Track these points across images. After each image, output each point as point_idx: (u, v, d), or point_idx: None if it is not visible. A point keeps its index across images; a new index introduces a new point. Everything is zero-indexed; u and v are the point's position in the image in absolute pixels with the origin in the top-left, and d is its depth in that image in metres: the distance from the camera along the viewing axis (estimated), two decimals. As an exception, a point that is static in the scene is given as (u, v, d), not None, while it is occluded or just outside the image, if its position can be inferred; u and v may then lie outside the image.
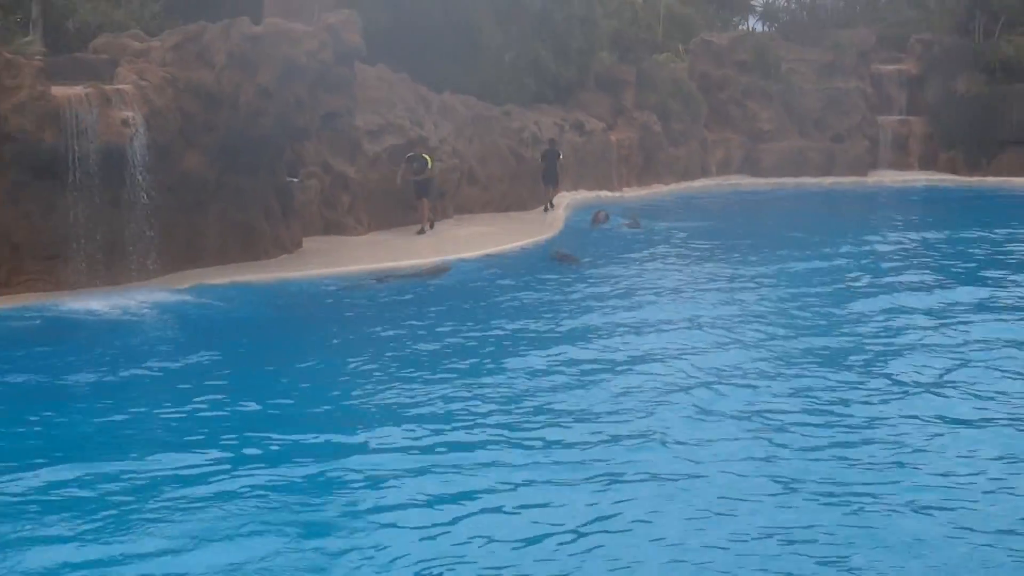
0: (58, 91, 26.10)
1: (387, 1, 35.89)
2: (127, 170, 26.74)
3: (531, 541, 14.52)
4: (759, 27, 54.65)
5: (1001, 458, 17.89)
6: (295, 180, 31.35)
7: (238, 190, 29.48)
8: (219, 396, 20.68)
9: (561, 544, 14.55)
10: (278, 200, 30.95)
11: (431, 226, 33.31)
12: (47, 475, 16.76)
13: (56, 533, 14.76)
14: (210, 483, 16.46)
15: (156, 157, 27.18)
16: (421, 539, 14.65)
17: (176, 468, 17.03)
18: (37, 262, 26.13)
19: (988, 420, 19.66)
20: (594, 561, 14.06)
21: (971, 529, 15.15)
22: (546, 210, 40.78)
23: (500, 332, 25.50)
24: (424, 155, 33.10)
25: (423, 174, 32.98)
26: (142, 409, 19.92)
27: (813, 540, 14.96)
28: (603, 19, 43.49)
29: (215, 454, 17.74)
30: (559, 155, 41.72)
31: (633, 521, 15.34)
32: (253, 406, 20.29)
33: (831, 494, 16.51)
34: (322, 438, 18.76)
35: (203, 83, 28.13)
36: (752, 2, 57.11)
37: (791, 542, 14.96)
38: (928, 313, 27.73)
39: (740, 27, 53.95)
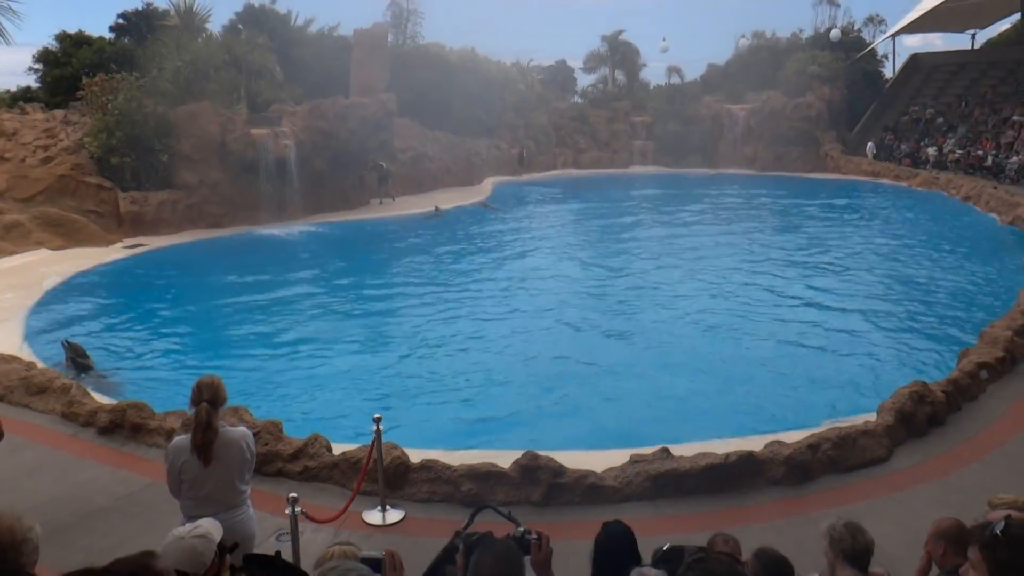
0: (254, 131, 25.99)
1: (409, 88, 35.23)
2: (287, 168, 26.73)
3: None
4: (579, 100, 53.80)
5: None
6: (365, 172, 30.77)
7: (340, 177, 29.39)
8: (341, 266, 21.22)
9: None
10: (358, 181, 30.57)
11: (392, 199, 31.25)
12: (257, 297, 17.27)
13: (258, 320, 14.99)
14: (331, 302, 16.96)
15: (300, 162, 27.18)
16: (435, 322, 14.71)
17: (317, 296, 17.70)
18: (246, 211, 25.99)
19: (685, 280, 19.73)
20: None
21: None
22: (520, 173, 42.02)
23: (467, 234, 26.21)
24: (382, 163, 31.10)
25: (383, 172, 31.08)
26: (302, 266, 20.76)
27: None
28: (507, 96, 42.99)
29: (334, 292, 18.28)
30: (523, 151, 42.64)
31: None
32: (354, 269, 20.88)
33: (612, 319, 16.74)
34: (389, 287, 19.15)
35: (322, 127, 28.01)
36: (576, 88, 56.55)
37: (578, 329, 15.03)
38: (658, 222, 27.57)
39: (571, 100, 53.02)
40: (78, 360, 12.69)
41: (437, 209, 29.50)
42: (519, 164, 42.77)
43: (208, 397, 5.18)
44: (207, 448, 5.11)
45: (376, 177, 31.04)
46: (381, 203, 30.94)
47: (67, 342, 13.18)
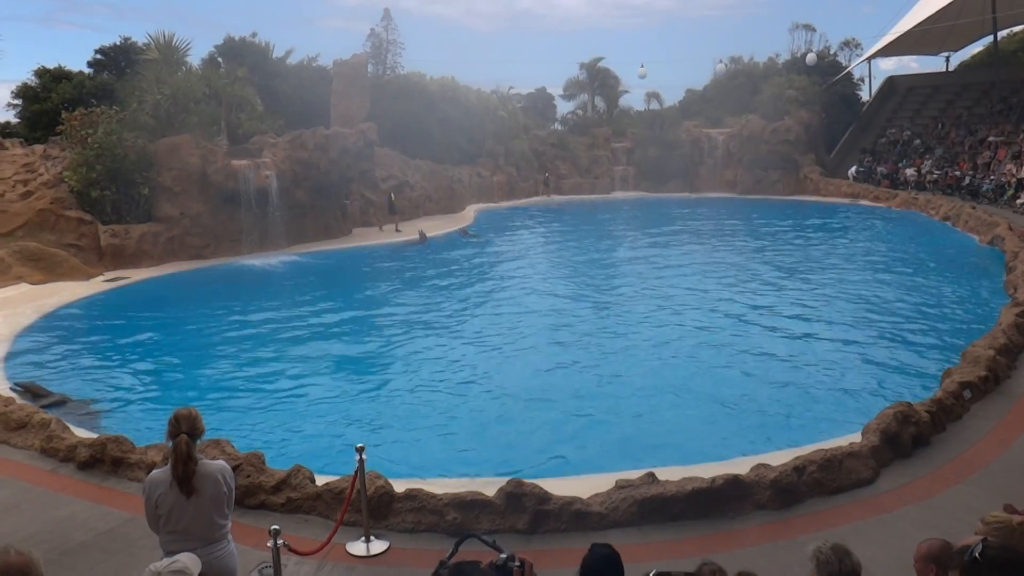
0: (235, 163, 25.94)
1: (389, 117, 35.48)
2: (268, 199, 26.69)
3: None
4: (559, 127, 54.20)
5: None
6: (347, 201, 30.75)
7: (321, 206, 29.26)
8: (323, 296, 20.87)
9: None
10: (340, 210, 30.46)
11: (397, 228, 31.82)
12: (239, 329, 16.96)
13: (240, 351, 14.76)
14: (312, 333, 16.62)
15: (282, 193, 27.10)
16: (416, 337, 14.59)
17: (299, 327, 17.33)
18: (227, 242, 25.94)
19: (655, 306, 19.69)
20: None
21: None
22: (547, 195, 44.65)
23: (447, 261, 25.57)
24: (392, 194, 32.53)
25: (393, 201, 32.23)
26: (284, 296, 20.41)
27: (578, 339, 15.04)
28: (488, 124, 43.06)
29: (316, 322, 17.92)
30: (548, 175, 44.69)
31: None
32: (337, 299, 20.55)
33: (589, 334, 16.61)
34: (371, 315, 18.98)
35: (303, 158, 27.91)
36: (556, 115, 56.90)
37: (560, 344, 14.98)
38: (637, 248, 27.74)
39: (551, 127, 53.37)
40: (43, 401, 12.44)
41: (422, 235, 29.51)
42: (545, 186, 44.34)
43: (187, 429, 5.10)
44: (188, 480, 5.02)
45: (389, 204, 32.19)
46: (382, 229, 31.48)
47: (19, 384, 13.00)
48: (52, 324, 17.95)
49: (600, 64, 52.96)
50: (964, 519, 7.65)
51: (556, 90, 56.93)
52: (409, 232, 30.77)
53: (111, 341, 16.71)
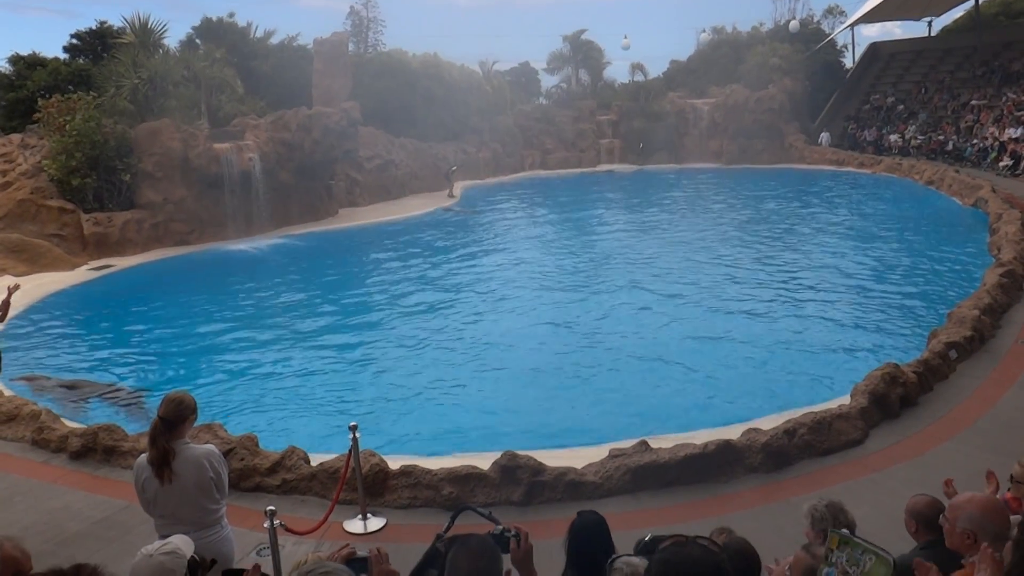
0: (217, 146, 25.54)
1: (371, 96, 35.16)
2: (252, 182, 26.34)
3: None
4: (544, 101, 53.74)
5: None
6: (332, 181, 30.47)
7: (306, 187, 28.82)
8: (309, 279, 20.70)
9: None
10: (325, 191, 30.13)
11: (451, 194, 34.71)
12: (227, 313, 16.72)
13: (229, 336, 14.70)
14: (300, 315, 16.47)
15: (265, 175, 26.75)
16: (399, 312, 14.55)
17: (286, 310, 17.20)
18: (212, 227, 25.56)
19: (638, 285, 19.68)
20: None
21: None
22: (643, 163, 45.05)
23: (432, 240, 25.00)
24: (454, 168, 35.77)
25: (452, 172, 35.30)
26: (272, 279, 20.09)
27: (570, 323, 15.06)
28: (472, 100, 42.58)
29: (303, 304, 17.77)
30: (642, 145, 45.54)
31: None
32: (320, 278, 20.53)
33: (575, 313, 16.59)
34: (358, 296, 18.75)
35: (286, 139, 27.50)
36: (540, 90, 56.31)
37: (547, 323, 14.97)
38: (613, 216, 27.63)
39: (535, 102, 52.87)
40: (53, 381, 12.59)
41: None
42: (638, 153, 45.16)
43: (162, 412, 5.05)
44: (161, 465, 4.98)
45: (447, 173, 35.25)
46: (453, 195, 34.31)
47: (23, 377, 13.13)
48: (38, 315, 17.82)
49: (583, 37, 52.54)
50: (953, 476, 7.75)
51: (540, 64, 56.34)
52: (373, 214, 30.82)
53: (99, 329, 16.65)
